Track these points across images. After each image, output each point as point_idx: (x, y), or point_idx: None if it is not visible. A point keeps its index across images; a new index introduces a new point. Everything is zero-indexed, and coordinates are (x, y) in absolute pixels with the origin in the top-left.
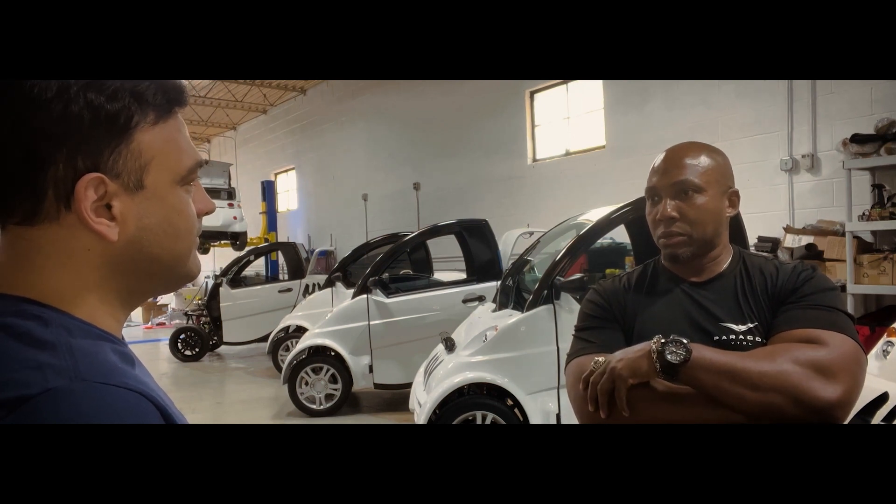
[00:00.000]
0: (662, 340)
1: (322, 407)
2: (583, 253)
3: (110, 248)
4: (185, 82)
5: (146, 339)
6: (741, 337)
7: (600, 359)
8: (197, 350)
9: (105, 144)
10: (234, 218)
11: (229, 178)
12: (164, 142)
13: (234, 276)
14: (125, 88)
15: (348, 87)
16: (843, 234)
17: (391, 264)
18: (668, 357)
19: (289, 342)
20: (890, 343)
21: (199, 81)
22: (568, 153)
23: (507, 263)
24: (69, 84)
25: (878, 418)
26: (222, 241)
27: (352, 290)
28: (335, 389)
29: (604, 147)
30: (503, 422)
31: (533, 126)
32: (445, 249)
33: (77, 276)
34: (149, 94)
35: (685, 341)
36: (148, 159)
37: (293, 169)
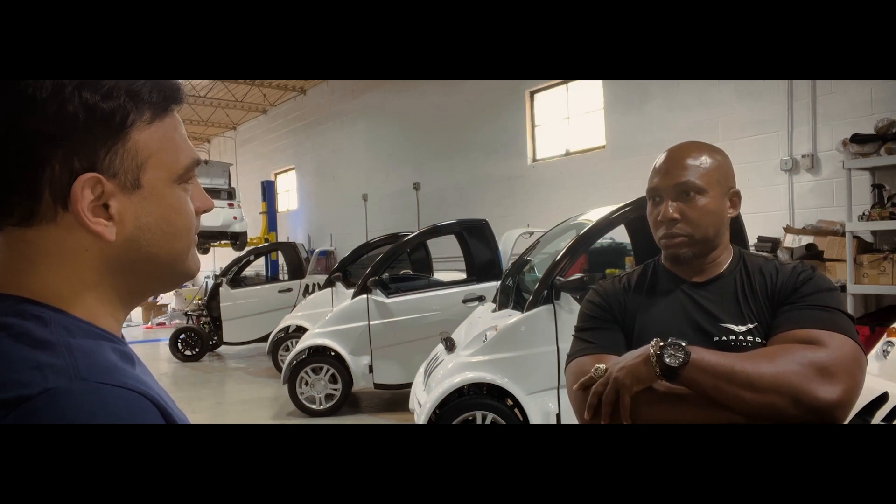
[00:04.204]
0: (661, 344)
1: (322, 407)
2: (583, 253)
3: (108, 247)
4: (185, 82)
5: (146, 339)
6: (741, 338)
7: (601, 366)
8: (197, 350)
9: (101, 144)
10: (234, 218)
11: (229, 178)
12: (160, 140)
13: (234, 276)
14: (120, 87)
15: (348, 87)
16: (843, 234)
17: (391, 264)
18: (667, 360)
19: (289, 342)
20: (890, 343)
21: (199, 81)
22: (568, 153)
23: (507, 263)
24: (64, 84)
25: (878, 418)
26: (222, 241)
27: (352, 290)
28: (335, 389)
29: (604, 147)
30: (503, 422)
31: (533, 126)
32: (445, 249)
33: (76, 275)
34: (144, 93)
35: (683, 344)
36: (145, 158)
37: (293, 169)
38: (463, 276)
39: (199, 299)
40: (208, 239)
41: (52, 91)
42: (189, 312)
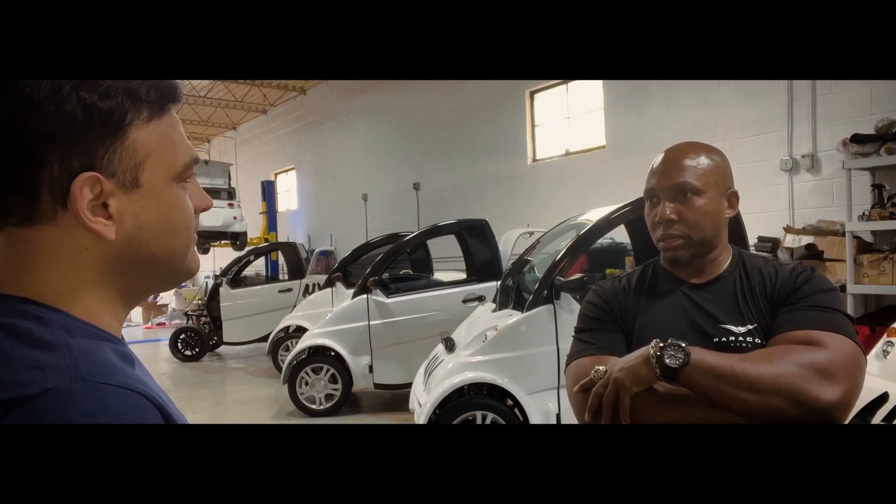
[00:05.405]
0: (661, 344)
1: (322, 407)
2: (583, 253)
3: (108, 246)
4: (185, 82)
5: (146, 339)
6: (741, 338)
7: (601, 367)
8: (197, 350)
9: (99, 143)
10: (234, 218)
11: (229, 178)
12: (158, 139)
13: (234, 276)
14: (118, 86)
15: (348, 87)
16: (843, 234)
17: (391, 264)
18: (667, 361)
19: (289, 342)
20: (890, 343)
21: (199, 81)
22: (568, 153)
23: (507, 263)
24: (61, 83)
25: (878, 418)
26: (222, 242)
27: (352, 290)
28: (335, 389)
29: (604, 147)
30: (503, 422)
31: (533, 126)
32: (445, 249)
33: (75, 275)
34: (142, 92)
35: (683, 345)
36: (143, 157)
37: (293, 169)
38: (463, 276)
39: (199, 299)
40: (208, 239)
41: (50, 91)
42: (189, 312)
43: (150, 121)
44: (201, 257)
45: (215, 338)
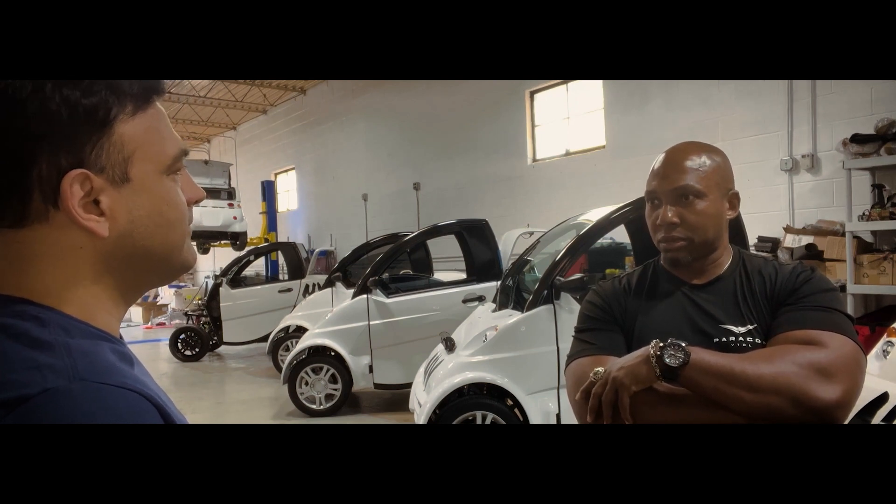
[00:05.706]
0: (661, 344)
1: (322, 407)
2: (583, 253)
3: (102, 243)
4: (184, 82)
5: (146, 339)
6: (741, 339)
7: (600, 369)
8: (197, 350)
9: (86, 139)
10: (234, 218)
11: (229, 178)
12: (145, 132)
13: (234, 276)
14: (100, 82)
15: (348, 87)
16: (843, 234)
17: (391, 264)
18: (667, 360)
19: (289, 342)
20: (890, 343)
21: (199, 81)
22: (568, 153)
23: (507, 263)
24: (44, 82)
25: (878, 418)
26: (222, 241)
27: (352, 290)
28: (335, 389)
29: (604, 147)
30: (503, 422)
31: (533, 126)
32: (445, 249)
33: (71, 274)
34: (125, 85)
35: (683, 344)
36: (131, 151)
37: (293, 169)
38: (463, 276)
39: (199, 299)
40: (208, 239)
41: (32, 90)
42: (189, 312)
43: (135, 114)
44: (201, 257)
45: (215, 338)
